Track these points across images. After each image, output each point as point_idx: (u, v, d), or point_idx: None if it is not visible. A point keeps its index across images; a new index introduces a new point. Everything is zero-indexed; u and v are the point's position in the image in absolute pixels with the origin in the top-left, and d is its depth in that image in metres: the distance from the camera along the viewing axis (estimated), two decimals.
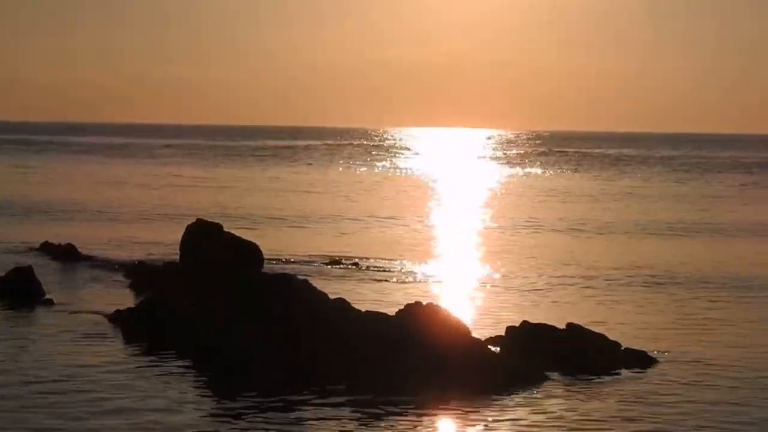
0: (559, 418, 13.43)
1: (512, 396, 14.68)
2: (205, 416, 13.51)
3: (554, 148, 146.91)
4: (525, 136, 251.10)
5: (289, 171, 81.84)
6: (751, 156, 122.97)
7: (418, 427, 13.27)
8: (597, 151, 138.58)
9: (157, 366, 16.04)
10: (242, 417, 13.51)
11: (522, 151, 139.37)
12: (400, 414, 13.68)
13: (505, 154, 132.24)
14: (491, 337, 17.37)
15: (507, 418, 13.52)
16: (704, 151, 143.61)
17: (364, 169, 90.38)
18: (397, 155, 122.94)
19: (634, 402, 14.29)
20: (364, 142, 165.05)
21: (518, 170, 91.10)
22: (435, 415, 13.88)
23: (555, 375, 15.60)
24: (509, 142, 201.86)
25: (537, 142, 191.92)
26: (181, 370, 15.82)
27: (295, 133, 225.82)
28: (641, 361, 16.80)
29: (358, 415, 13.52)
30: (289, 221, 40.65)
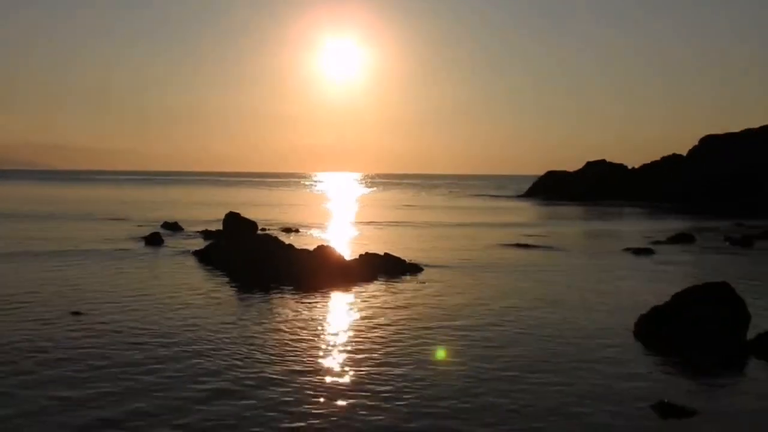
0: (382, 298, 20.18)
1: (363, 285, 22.21)
2: (221, 289, 21.44)
3: (387, 180, 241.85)
4: (375, 174, 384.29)
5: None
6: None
7: (318, 297, 19.94)
8: (405, 181, 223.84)
9: (211, 271, 25.03)
10: (237, 294, 21.04)
11: (376, 181, 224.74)
12: (313, 293, 20.49)
13: (365, 182, 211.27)
14: (353, 259, 25.31)
15: (359, 297, 20.11)
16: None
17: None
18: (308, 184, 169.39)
19: (414, 287, 22.19)
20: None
21: (373, 190, 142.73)
22: (322, 295, 20.34)
23: (379, 277, 23.94)
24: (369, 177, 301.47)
25: (376, 178, 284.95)
26: (224, 276, 24.05)
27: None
28: (416, 268, 25.74)
29: (290, 296, 20.22)
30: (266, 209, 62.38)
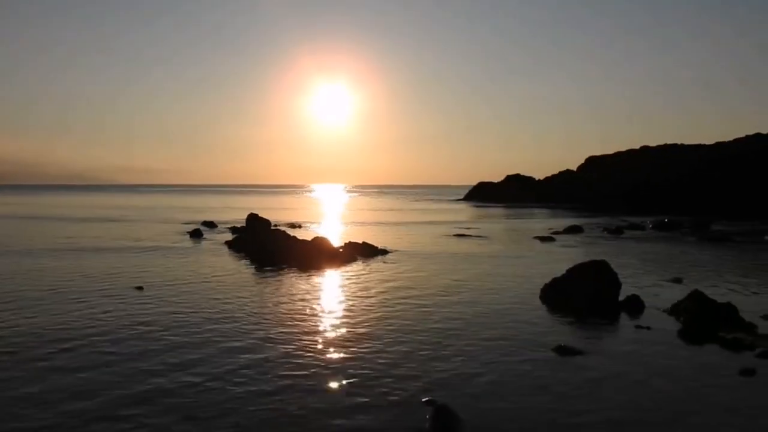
0: (361, 273, 19.64)
1: (348, 265, 21.70)
2: (247, 268, 20.64)
3: (362, 190, 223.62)
4: (354, 185, 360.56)
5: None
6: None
7: (315, 274, 19.31)
8: (374, 191, 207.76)
9: (239, 257, 23.99)
10: (257, 273, 19.80)
11: (355, 191, 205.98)
12: (311, 272, 19.96)
13: (348, 191, 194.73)
14: (340, 246, 24.67)
15: (345, 273, 19.60)
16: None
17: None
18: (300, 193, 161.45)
19: (384, 265, 21.53)
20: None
21: (353, 196, 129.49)
22: (319, 272, 19.78)
23: (359, 258, 23.50)
24: (350, 187, 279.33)
25: (354, 188, 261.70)
26: (248, 259, 23.10)
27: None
28: (383, 251, 25.13)
29: (296, 273, 19.75)
30: (273, 211, 57.78)
